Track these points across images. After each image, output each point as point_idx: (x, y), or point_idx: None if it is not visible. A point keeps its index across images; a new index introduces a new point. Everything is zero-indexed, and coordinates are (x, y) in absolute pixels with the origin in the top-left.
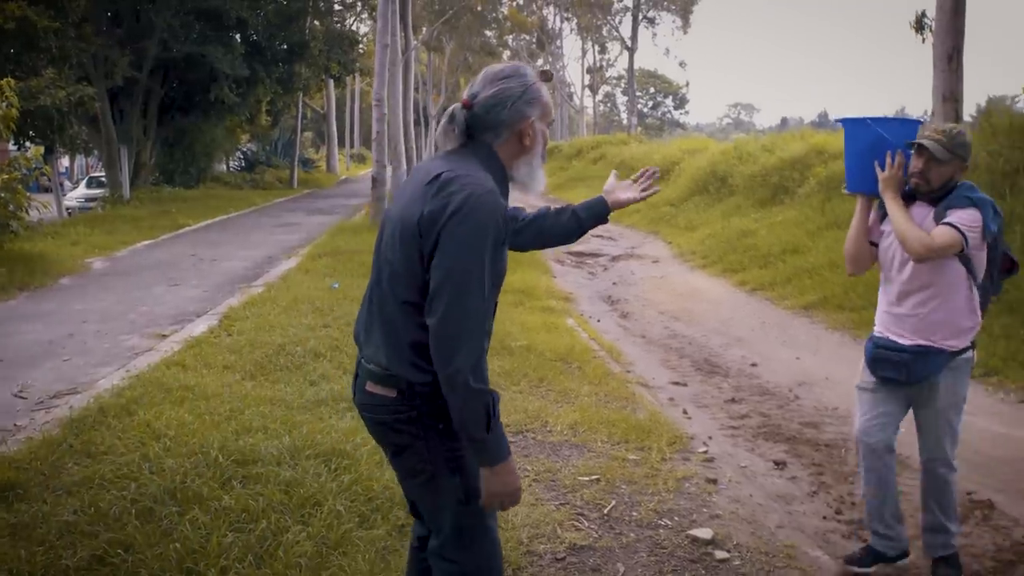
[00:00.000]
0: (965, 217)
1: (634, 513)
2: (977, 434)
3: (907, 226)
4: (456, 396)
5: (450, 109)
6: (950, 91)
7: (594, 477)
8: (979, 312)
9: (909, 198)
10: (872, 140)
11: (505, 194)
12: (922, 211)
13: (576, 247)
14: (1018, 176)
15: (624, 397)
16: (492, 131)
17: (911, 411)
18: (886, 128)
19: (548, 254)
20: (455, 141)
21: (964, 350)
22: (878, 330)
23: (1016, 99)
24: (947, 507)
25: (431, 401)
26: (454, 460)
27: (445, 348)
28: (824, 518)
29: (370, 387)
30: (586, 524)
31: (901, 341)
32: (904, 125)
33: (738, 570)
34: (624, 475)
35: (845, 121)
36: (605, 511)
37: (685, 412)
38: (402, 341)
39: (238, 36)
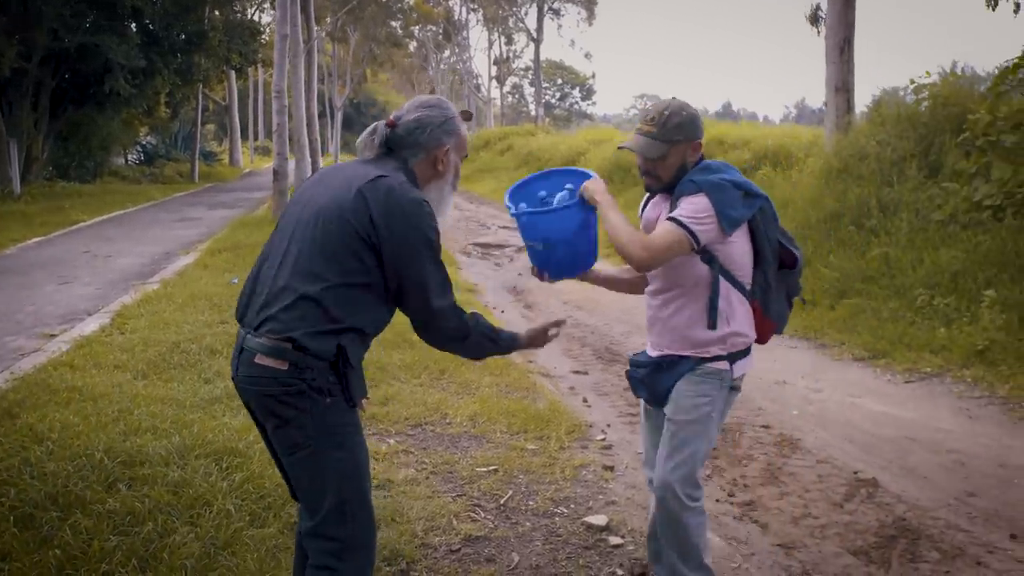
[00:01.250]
0: (688, 208)
1: (531, 502)
2: (863, 414)
3: (622, 233)
4: (463, 352)
5: (374, 125)
6: (842, 81)
7: (492, 468)
8: (742, 318)
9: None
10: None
11: None
12: (660, 205)
13: (483, 238)
14: (905, 164)
15: (525, 387)
16: (410, 150)
17: None
18: (554, 183)
19: (454, 246)
20: (373, 152)
21: (713, 359)
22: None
23: (907, 90)
24: (684, 551)
25: (322, 375)
26: (338, 435)
27: (431, 335)
28: (717, 500)
29: (260, 360)
30: (482, 515)
31: (650, 353)
32: (576, 176)
33: (631, 555)
34: (522, 465)
35: (521, 216)
36: (502, 501)
37: (585, 400)
38: (311, 314)
39: (133, 25)
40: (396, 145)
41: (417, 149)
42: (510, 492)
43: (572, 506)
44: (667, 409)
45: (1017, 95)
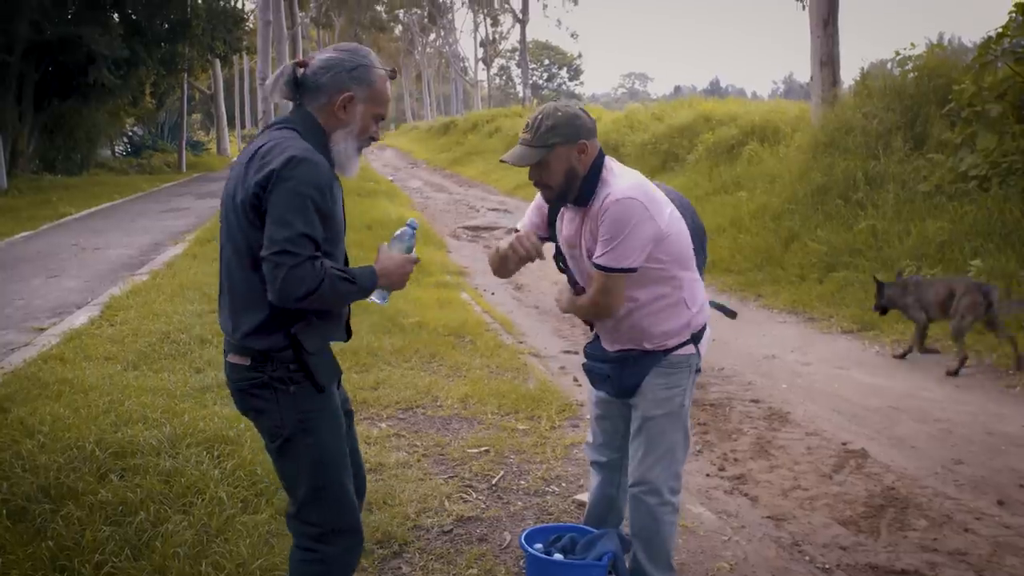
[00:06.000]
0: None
1: (522, 482)
2: (852, 386)
3: (583, 308)
4: (323, 302)
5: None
6: (827, 56)
7: (483, 449)
8: (698, 294)
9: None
10: None
11: (330, 163)
12: (574, 219)
13: (472, 221)
14: (891, 136)
15: (515, 368)
16: (312, 93)
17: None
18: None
19: (443, 229)
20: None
21: (680, 345)
22: None
23: (893, 63)
24: (654, 551)
25: (283, 365)
26: (306, 421)
27: (283, 296)
28: (707, 475)
29: (231, 358)
30: (474, 495)
31: (607, 347)
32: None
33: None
34: (513, 445)
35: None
36: (493, 481)
37: (575, 380)
38: (248, 312)
39: (115, 15)
40: (304, 88)
41: (318, 92)
42: (501, 472)
43: (563, 484)
44: (637, 404)
45: (1002, 65)
